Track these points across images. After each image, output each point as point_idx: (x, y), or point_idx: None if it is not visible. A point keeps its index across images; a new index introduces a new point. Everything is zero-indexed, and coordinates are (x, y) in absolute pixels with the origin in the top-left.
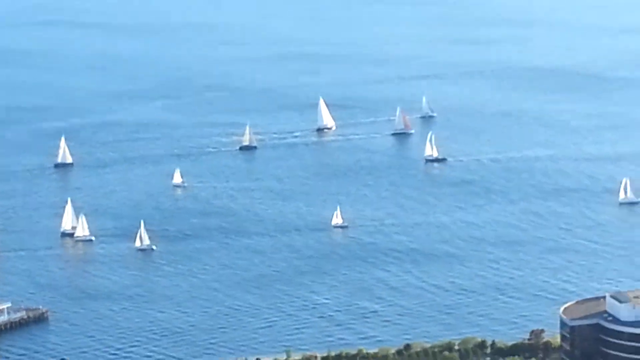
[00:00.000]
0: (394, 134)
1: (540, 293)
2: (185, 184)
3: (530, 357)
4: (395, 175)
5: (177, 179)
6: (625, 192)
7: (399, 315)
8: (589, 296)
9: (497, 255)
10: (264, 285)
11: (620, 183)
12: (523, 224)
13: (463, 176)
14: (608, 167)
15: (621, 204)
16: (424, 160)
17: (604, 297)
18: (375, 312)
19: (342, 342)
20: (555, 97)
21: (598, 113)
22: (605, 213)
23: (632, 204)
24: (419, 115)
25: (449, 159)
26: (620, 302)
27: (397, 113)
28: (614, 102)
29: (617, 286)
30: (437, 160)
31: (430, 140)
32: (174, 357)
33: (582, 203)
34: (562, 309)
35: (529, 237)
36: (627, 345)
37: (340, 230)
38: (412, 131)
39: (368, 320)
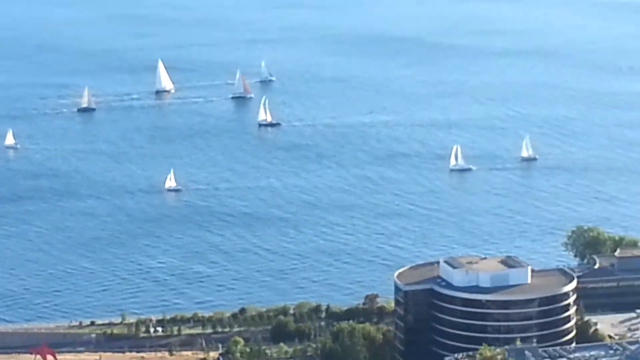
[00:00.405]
0: (233, 98)
1: (374, 258)
2: (18, 146)
3: (365, 322)
4: (229, 140)
5: (10, 140)
6: (456, 159)
7: (234, 279)
8: (422, 262)
9: (331, 220)
10: (97, 249)
11: (451, 150)
12: (356, 190)
13: (296, 141)
14: (439, 133)
15: (452, 170)
16: (258, 125)
17: (438, 263)
18: (209, 276)
19: (177, 306)
20: (391, 63)
21: (432, 80)
22: (437, 179)
23: (462, 170)
24: (258, 80)
25: (283, 124)
26: (453, 267)
27: (237, 77)
28: (448, 70)
29: (450, 252)
30: (270, 124)
31: (265, 105)
32: (6, 320)
33: (414, 169)
34: (396, 274)
35: (362, 202)
36: (459, 310)
37: (173, 193)
38: (252, 95)
39: (203, 284)
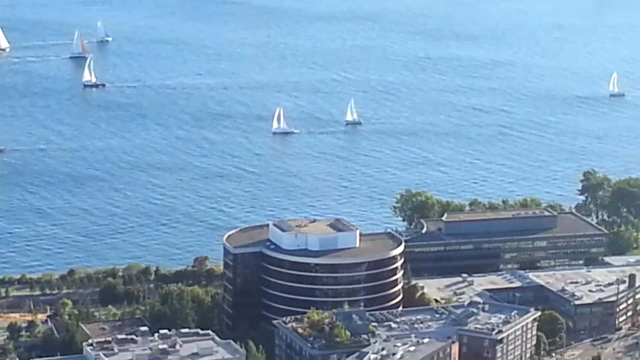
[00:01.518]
0: (72, 58)
1: (203, 221)
2: None
3: (194, 284)
4: (54, 100)
5: None
6: (278, 122)
7: (62, 242)
8: (252, 224)
9: (158, 182)
10: None
11: (274, 112)
12: (182, 151)
13: (121, 102)
14: (264, 96)
15: (274, 133)
16: (83, 86)
17: (267, 226)
18: (37, 238)
19: (4, 268)
20: (224, 26)
21: (259, 43)
22: (261, 142)
23: (285, 133)
24: (95, 40)
25: (108, 85)
26: (282, 230)
27: (75, 36)
28: (275, 33)
29: (279, 215)
30: (95, 85)
31: (89, 66)
32: None
33: (238, 132)
34: (225, 237)
35: (189, 164)
36: (288, 274)
37: None
38: (90, 55)
39: (30, 246)
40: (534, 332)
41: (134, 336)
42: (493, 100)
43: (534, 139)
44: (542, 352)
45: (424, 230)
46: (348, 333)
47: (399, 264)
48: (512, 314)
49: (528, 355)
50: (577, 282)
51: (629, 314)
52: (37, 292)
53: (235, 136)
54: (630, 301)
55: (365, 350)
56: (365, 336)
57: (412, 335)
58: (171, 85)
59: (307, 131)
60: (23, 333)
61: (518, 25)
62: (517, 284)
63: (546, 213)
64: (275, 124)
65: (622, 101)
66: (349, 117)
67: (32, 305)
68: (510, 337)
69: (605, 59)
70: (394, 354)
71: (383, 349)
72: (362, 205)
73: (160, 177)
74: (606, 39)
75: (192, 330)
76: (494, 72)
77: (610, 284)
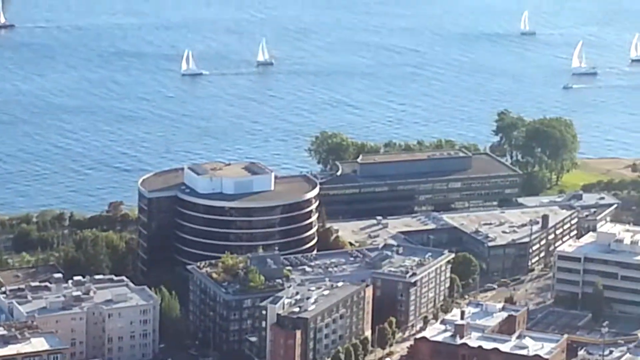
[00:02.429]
0: None
1: (117, 166)
2: None
3: (108, 230)
4: None
5: None
6: (187, 63)
7: None
8: (167, 168)
9: (70, 126)
10: None
11: (183, 54)
12: (93, 94)
13: (30, 43)
14: (173, 36)
15: (183, 75)
16: None
17: (182, 169)
18: None
19: None
20: None
21: None
22: (170, 84)
23: (194, 75)
24: None
25: (17, 26)
26: (197, 174)
27: None
28: None
29: (194, 159)
30: (4, 26)
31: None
32: None
33: (148, 73)
34: (140, 180)
35: (100, 107)
36: (202, 218)
37: None
38: None
39: None
40: (448, 275)
41: (47, 283)
42: (407, 39)
43: (447, 79)
44: (455, 295)
45: (338, 173)
46: (262, 277)
47: (313, 207)
48: (426, 256)
49: (442, 297)
50: (491, 224)
51: (542, 254)
52: None
53: (145, 78)
54: (543, 242)
55: (279, 294)
56: (279, 280)
57: (327, 279)
58: (82, 26)
59: (217, 72)
60: None
61: None
62: (432, 226)
63: (461, 154)
64: (184, 65)
65: (533, 39)
66: (260, 58)
67: None
68: (424, 280)
69: None
70: (308, 298)
71: (297, 293)
72: (277, 147)
73: (71, 121)
74: None
75: (106, 277)
76: (408, 11)
77: (523, 225)
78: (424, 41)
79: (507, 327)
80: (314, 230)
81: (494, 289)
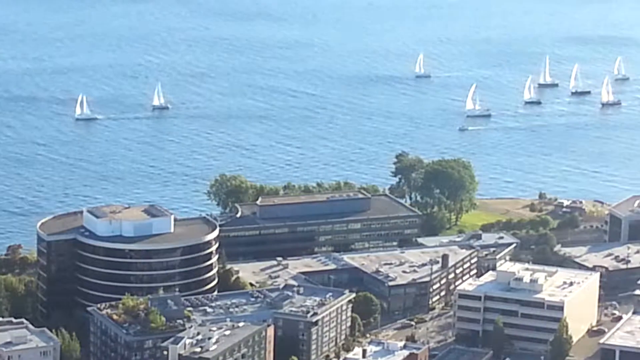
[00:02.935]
0: None
1: (16, 209)
2: None
3: (7, 273)
4: None
5: None
6: (82, 108)
7: None
8: (65, 212)
9: None
10: None
11: (77, 98)
12: None
13: None
14: (67, 80)
15: (77, 119)
16: None
17: (81, 212)
18: None
19: None
20: (29, 8)
21: (65, 25)
22: (65, 128)
23: (88, 119)
24: None
25: None
26: (96, 217)
27: None
28: (84, 15)
29: (94, 202)
30: None
31: None
32: None
33: (42, 119)
34: (38, 224)
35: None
36: (102, 260)
37: None
38: None
39: None
40: (349, 314)
41: None
42: (302, 83)
43: (344, 122)
44: (357, 333)
45: (238, 215)
46: (163, 318)
47: (213, 248)
48: (327, 296)
49: (343, 336)
50: (391, 264)
51: (442, 293)
52: None
53: (40, 123)
54: (443, 281)
55: (180, 335)
56: (180, 321)
57: (228, 319)
58: None
59: (112, 117)
60: None
61: (330, 6)
62: (332, 266)
63: (360, 195)
64: (78, 110)
65: (428, 82)
66: (155, 102)
67: None
68: (325, 319)
69: (413, 40)
70: (209, 338)
71: (198, 333)
72: (176, 190)
73: None
74: (413, 19)
75: (6, 319)
76: (303, 54)
77: (423, 265)
78: (320, 84)
79: None
80: (214, 271)
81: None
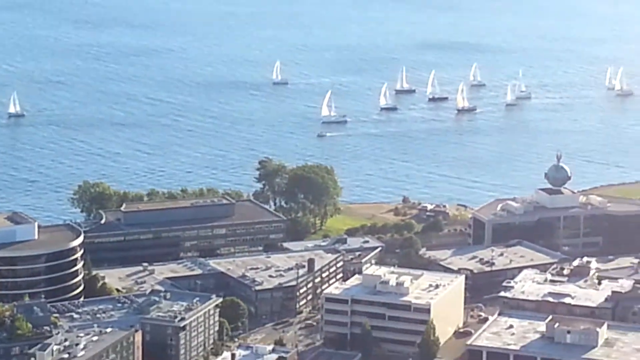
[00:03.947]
0: None
1: None
2: None
3: None
4: None
5: None
6: None
7: None
8: None
9: None
10: None
11: None
12: None
13: None
14: None
15: None
16: None
17: None
18: None
19: None
20: None
21: None
22: None
23: None
24: None
25: None
26: None
27: None
28: None
29: None
30: None
31: None
32: None
33: None
34: None
35: None
36: None
37: None
38: None
39: None
40: (217, 319)
41: None
42: (161, 90)
43: (205, 129)
44: (225, 338)
45: (103, 221)
46: (30, 325)
47: (78, 255)
48: (194, 301)
49: (211, 341)
50: (257, 268)
51: (309, 297)
52: None
53: None
54: (309, 285)
55: (47, 341)
56: (47, 327)
57: (95, 325)
58: None
59: None
60: None
61: (188, 14)
62: (198, 271)
63: (224, 201)
64: None
65: (286, 89)
66: (11, 110)
67: None
68: (193, 324)
69: (271, 47)
70: (77, 345)
71: (66, 339)
72: (39, 198)
73: None
74: (273, 27)
75: None
76: (162, 62)
77: (290, 269)
78: (178, 92)
79: None
80: (80, 277)
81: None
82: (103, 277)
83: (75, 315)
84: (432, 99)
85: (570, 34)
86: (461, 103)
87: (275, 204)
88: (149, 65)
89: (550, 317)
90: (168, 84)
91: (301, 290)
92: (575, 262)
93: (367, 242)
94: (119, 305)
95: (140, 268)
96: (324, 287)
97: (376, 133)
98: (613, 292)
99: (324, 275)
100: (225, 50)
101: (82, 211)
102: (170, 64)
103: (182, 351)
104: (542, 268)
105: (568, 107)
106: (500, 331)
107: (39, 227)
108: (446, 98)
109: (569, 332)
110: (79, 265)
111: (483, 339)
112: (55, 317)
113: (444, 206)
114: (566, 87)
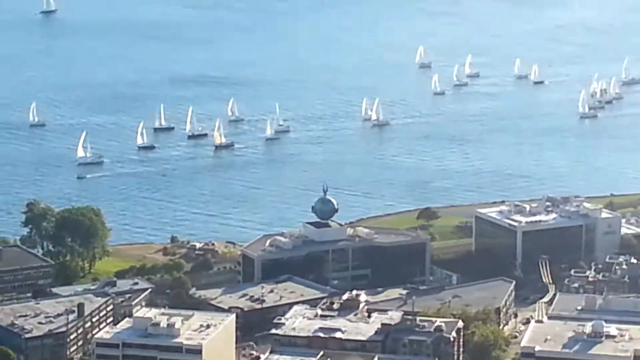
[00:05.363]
0: None
1: None
2: None
3: None
4: None
5: None
6: None
7: None
8: None
9: None
10: None
11: None
12: None
13: None
14: None
15: None
16: None
17: None
18: None
19: None
20: None
21: None
22: None
23: None
24: None
25: None
26: None
27: None
28: None
29: None
30: None
31: None
32: None
33: None
34: None
35: None
36: None
37: None
38: None
39: None
40: None
41: None
42: None
43: None
44: None
45: None
46: None
47: None
48: None
49: None
50: (26, 315)
51: (80, 343)
52: None
53: None
54: (80, 330)
55: None
56: None
57: None
58: None
59: None
60: None
61: None
62: None
63: None
64: None
65: (43, 130)
66: None
67: None
68: None
69: (27, 87)
70: None
71: None
72: None
73: None
74: (28, 66)
75: None
76: None
77: (59, 315)
78: None
79: None
80: None
81: None
82: None
83: None
84: (192, 136)
85: (326, 63)
86: (219, 139)
87: (43, 249)
88: None
89: (321, 352)
90: None
91: (72, 336)
92: (345, 296)
93: (136, 283)
94: None
95: None
96: (94, 331)
97: (135, 172)
98: (383, 324)
99: (94, 319)
100: None
101: None
102: None
103: None
104: (313, 303)
105: (329, 139)
106: None
107: None
108: (205, 135)
109: None
110: None
111: None
112: None
113: (213, 244)
114: (324, 119)
